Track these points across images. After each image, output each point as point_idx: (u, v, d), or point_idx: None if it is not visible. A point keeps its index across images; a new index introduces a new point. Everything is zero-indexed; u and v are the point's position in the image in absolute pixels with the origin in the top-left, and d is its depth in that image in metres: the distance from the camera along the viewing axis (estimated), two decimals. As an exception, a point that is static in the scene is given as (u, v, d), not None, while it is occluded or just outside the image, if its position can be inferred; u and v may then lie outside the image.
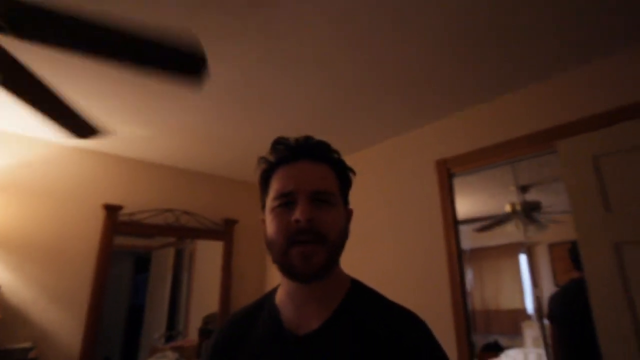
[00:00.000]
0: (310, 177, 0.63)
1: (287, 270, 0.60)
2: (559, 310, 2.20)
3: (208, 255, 3.18)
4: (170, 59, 0.97)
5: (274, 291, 0.72)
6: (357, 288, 0.67)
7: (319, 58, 1.58)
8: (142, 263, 3.27)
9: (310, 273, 0.58)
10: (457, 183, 2.15)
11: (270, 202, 0.65)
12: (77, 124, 1.37)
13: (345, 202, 0.69)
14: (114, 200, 2.59)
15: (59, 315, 2.25)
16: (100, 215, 2.52)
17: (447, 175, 2.12)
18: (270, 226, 0.63)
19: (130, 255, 3.24)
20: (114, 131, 2.26)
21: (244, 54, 1.55)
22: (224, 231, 3.12)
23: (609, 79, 1.58)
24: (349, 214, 0.70)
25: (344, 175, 0.69)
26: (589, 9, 1.31)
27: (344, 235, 0.64)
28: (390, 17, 1.34)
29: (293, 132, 0.70)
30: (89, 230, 2.47)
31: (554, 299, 2.33)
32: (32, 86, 1.14)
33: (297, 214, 0.58)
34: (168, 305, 3.11)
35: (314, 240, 0.58)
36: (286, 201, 0.62)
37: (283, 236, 0.60)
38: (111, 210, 2.55)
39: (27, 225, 2.25)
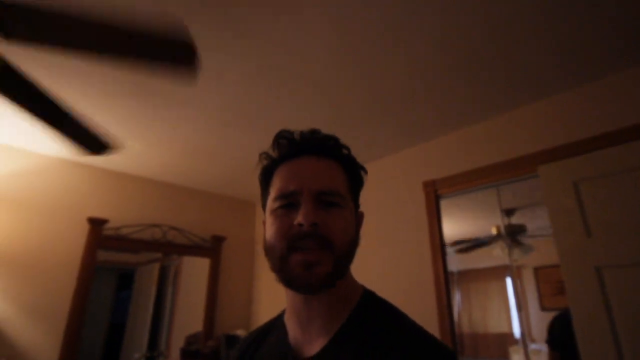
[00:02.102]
0: (316, 175, 0.56)
1: (287, 280, 0.53)
2: (560, 333, 2.19)
3: (194, 273, 3.12)
4: (160, 49, 0.95)
5: (284, 311, 0.66)
6: (369, 300, 0.59)
7: (311, 76, 1.62)
8: (125, 279, 3.18)
9: (312, 284, 0.51)
10: (444, 205, 2.18)
11: (271, 202, 0.58)
12: (87, 140, 1.35)
13: (356, 204, 0.62)
14: (99, 214, 2.56)
15: (35, 332, 2.17)
16: (84, 229, 2.48)
17: (434, 196, 2.15)
18: (270, 229, 0.56)
19: (113, 271, 3.16)
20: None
21: (236, 70, 1.58)
22: (211, 248, 3.09)
23: (590, 106, 1.65)
24: (360, 218, 0.63)
25: (354, 174, 0.62)
26: (571, 38, 1.38)
27: (353, 241, 0.57)
28: (382, 40, 1.40)
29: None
30: (72, 244, 2.42)
31: (554, 323, 2.32)
32: (36, 97, 1.13)
33: (300, 217, 0.51)
34: (150, 324, 3.01)
35: (318, 246, 0.51)
36: (288, 202, 0.55)
37: (283, 241, 0.53)
38: (96, 224, 2.51)
39: (7, 237, 2.20)
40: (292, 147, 0.60)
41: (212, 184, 3.11)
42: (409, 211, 2.26)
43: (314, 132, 0.61)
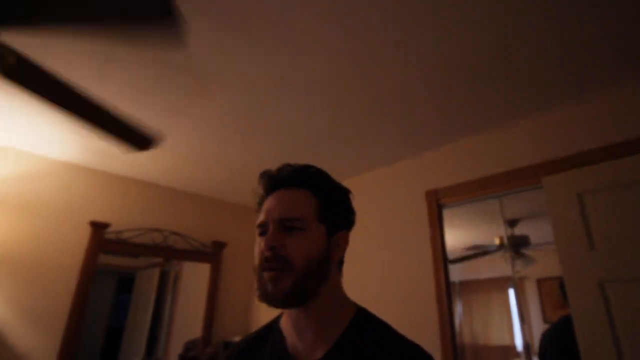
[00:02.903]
0: (279, 204, 0.65)
1: (262, 294, 0.61)
2: (549, 347, 2.17)
3: (194, 278, 3.11)
4: (134, 6, 0.89)
5: (280, 317, 0.73)
6: (363, 316, 0.67)
7: (313, 83, 1.63)
8: (125, 283, 3.17)
9: (278, 298, 0.59)
10: (446, 215, 2.17)
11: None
12: (131, 136, 1.34)
13: (332, 225, 0.67)
14: (101, 218, 2.56)
15: (34, 335, 2.16)
16: (86, 233, 2.48)
17: (436, 206, 2.14)
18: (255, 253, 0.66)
19: (113, 275, 3.15)
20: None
21: (243, 77, 1.59)
22: (212, 253, 3.08)
23: (596, 117, 1.64)
24: (341, 238, 0.68)
25: (328, 197, 0.68)
26: (577, 50, 1.38)
27: (320, 260, 0.63)
28: (386, 48, 1.40)
29: (286, 155, 0.72)
30: (73, 247, 2.42)
31: (545, 336, 2.30)
32: (65, 94, 1.14)
33: (263, 243, 0.61)
34: (149, 328, 3.00)
35: (278, 266, 0.60)
36: (262, 231, 0.65)
37: (258, 263, 0.62)
38: (98, 228, 2.51)
39: (9, 239, 2.20)
40: (269, 183, 0.69)
41: (214, 190, 3.11)
42: (411, 220, 2.25)
43: (285, 167, 0.70)
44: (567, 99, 1.70)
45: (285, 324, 0.68)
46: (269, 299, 0.60)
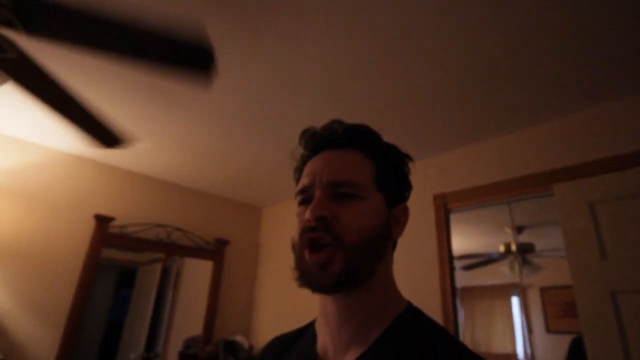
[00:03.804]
0: (329, 166, 0.53)
1: (301, 277, 0.50)
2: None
3: (196, 275, 3.09)
4: (177, 52, 0.96)
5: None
6: (411, 315, 0.53)
7: (324, 82, 1.62)
8: (126, 278, 3.16)
9: (325, 283, 0.48)
10: (452, 219, 2.15)
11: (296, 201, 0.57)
12: (100, 132, 1.37)
13: (390, 196, 0.55)
14: (106, 211, 2.55)
15: (35, 327, 2.15)
16: (90, 226, 2.47)
17: (444, 210, 2.12)
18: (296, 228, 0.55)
19: (115, 268, 3.14)
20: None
21: (252, 73, 1.58)
22: (214, 251, 3.07)
23: (608, 126, 1.63)
24: (401, 211, 0.57)
25: (386, 162, 0.57)
26: (591, 55, 1.37)
27: (377, 237, 0.51)
28: (394, 53, 1.39)
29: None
30: (77, 240, 2.41)
31: (573, 346, 2.22)
32: (51, 89, 1.15)
33: (307, 211, 0.49)
34: (149, 324, 2.99)
35: (326, 241, 0.48)
36: (305, 197, 0.54)
37: (299, 236, 0.51)
38: (102, 221, 2.50)
39: (13, 230, 2.19)
40: (313, 143, 0.58)
41: (219, 187, 3.10)
42: (417, 224, 2.23)
43: (334, 123, 0.58)
44: (580, 107, 1.69)
45: (319, 323, 0.58)
46: (313, 282, 0.49)
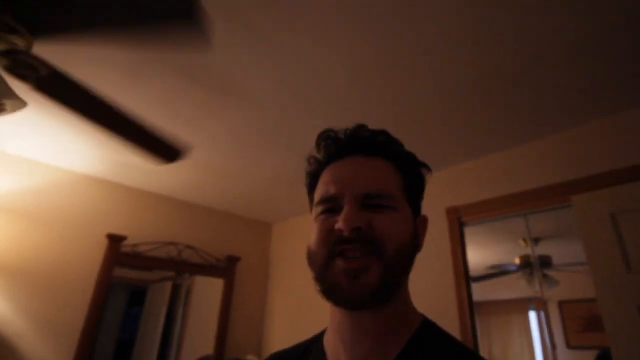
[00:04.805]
0: (360, 176, 0.50)
1: (330, 291, 0.46)
2: None
3: (206, 293, 3.07)
4: (160, 8, 0.90)
5: (325, 331, 0.58)
6: (429, 329, 0.52)
7: (335, 100, 1.63)
8: (136, 296, 3.15)
9: (358, 295, 0.44)
10: (467, 232, 2.12)
11: (315, 209, 0.53)
12: (160, 148, 1.34)
13: (415, 208, 0.55)
14: (118, 231, 2.56)
15: (48, 348, 2.14)
16: (103, 245, 2.48)
17: (458, 223, 2.09)
18: (313, 236, 0.51)
19: (126, 287, 3.13)
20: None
21: (264, 92, 1.60)
22: (225, 268, 3.05)
23: (626, 135, 1.60)
24: (421, 223, 0.55)
25: (411, 172, 0.56)
26: (608, 63, 1.36)
27: (409, 249, 0.49)
28: (403, 63, 1.40)
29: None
30: (90, 260, 2.41)
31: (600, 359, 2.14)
32: (97, 107, 1.15)
33: (341, 221, 0.46)
34: (159, 343, 2.95)
35: (364, 252, 0.45)
36: (330, 207, 0.50)
37: (324, 247, 0.47)
38: (115, 241, 2.51)
39: (27, 251, 2.20)
40: (335, 147, 0.55)
41: (230, 204, 3.11)
42: (431, 237, 2.19)
43: (359, 129, 0.56)
44: (596, 116, 1.67)
45: (330, 338, 0.53)
46: (345, 294, 0.45)
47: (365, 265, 0.44)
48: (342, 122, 0.58)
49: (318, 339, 0.57)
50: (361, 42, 1.31)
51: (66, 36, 0.96)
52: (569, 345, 3.35)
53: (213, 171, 2.45)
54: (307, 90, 1.58)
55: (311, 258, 0.50)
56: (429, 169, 0.58)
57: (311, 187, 0.58)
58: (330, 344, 0.53)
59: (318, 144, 0.57)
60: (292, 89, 1.58)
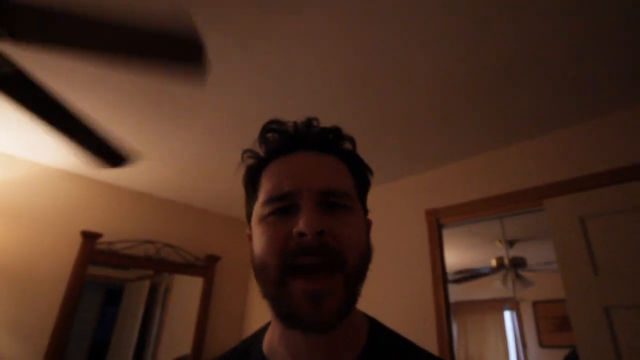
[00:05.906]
0: (318, 172, 0.45)
1: (286, 316, 0.41)
2: None
3: (185, 292, 3.02)
4: (167, 47, 0.92)
5: (260, 334, 0.52)
6: (378, 332, 0.49)
7: (316, 96, 1.62)
8: (112, 295, 3.07)
9: (322, 324, 0.39)
10: (444, 234, 2.15)
11: (259, 208, 0.46)
12: (105, 152, 1.32)
13: (364, 208, 0.51)
14: (93, 228, 2.49)
15: (16, 349, 2.06)
16: (76, 243, 2.40)
17: (436, 225, 2.13)
18: (259, 242, 0.43)
19: (101, 286, 3.05)
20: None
21: (241, 89, 1.58)
22: (205, 267, 3.01)
23: (598, 141, 1.66)
24: (368, 225, 0.51)
25: (360, 172, 0.52)
26: (579, 74, 1.40)
27: (366, 256, 0.45)
28: (388, 67, 1.41)
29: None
30: (63, 257, 2.34)
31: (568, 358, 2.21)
32: (50, 106, 1.12)
33: (301, 223, 0.40)
34: (136, 343, 2.89)
35: (327, 265, 0.40)
36: (282, 206, 0.43)
37: (278, 258, 0.41)
38: (89, 238, 2.44)
39: (-4, 247, 2.12)
40: (284, 141, 0.49)
41: (210, 202, 3.07)
42: (410, 239, 2.23)
43: (310, 122, 0.51)
44: (569, 123, 1.72)
45: (273, 348, 0.48)
46: (306, 325, 0.39)
47: (330, 287, 0.39)
48: (325, 121, 0.55)
49: (254, 344, 0.52)
50: (349, 42, 1.30)
51: (43, 45, 0.93)
52: (542, 345, 3.47)
53: (192, 168, 2.41)
54: (287, 89, 1.57)
55: (259, 270, 0.43)
56: (371, 172, 0.55)
57: (251, 185, 0.51)
58: (275, 353, 0.47)
59: (262, 136, 0.51)
60: (272, 89, 1.56)
